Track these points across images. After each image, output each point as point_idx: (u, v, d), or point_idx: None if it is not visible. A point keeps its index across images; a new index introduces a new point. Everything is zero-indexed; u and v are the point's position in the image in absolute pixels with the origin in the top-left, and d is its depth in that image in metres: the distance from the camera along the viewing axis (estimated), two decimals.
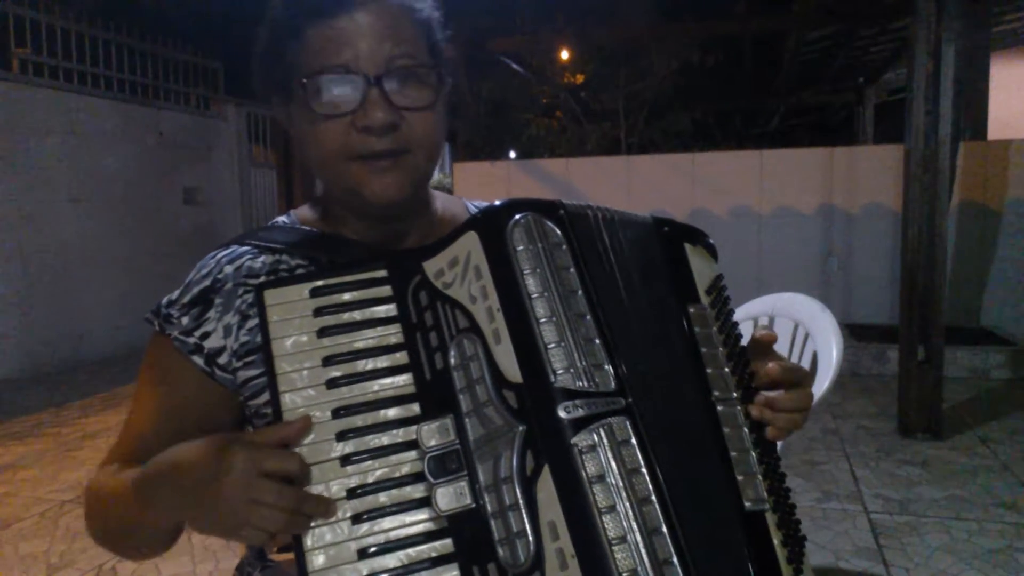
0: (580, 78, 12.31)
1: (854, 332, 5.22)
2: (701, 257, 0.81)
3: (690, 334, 0.74)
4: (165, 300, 0.84)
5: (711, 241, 0.84)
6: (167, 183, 6.84)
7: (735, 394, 0.73)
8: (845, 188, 5.65)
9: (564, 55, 11.52)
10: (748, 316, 1.97)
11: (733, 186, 5.89)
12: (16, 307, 5.45)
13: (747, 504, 0.68)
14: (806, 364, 1.86)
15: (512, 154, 13.69)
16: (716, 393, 0.72)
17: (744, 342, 0.79)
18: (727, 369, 0.74)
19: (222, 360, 0.81)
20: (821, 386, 1.72)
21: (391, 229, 0.87)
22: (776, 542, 0.68)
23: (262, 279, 0.82)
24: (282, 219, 0.91)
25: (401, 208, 0.82)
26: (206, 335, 0.81)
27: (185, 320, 0.82)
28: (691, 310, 0.75)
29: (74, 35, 6.00)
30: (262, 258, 0.84)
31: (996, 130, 7.11)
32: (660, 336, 0.73)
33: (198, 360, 0.81)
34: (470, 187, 6.44)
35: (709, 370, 0.73)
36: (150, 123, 6.65)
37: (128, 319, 6.26)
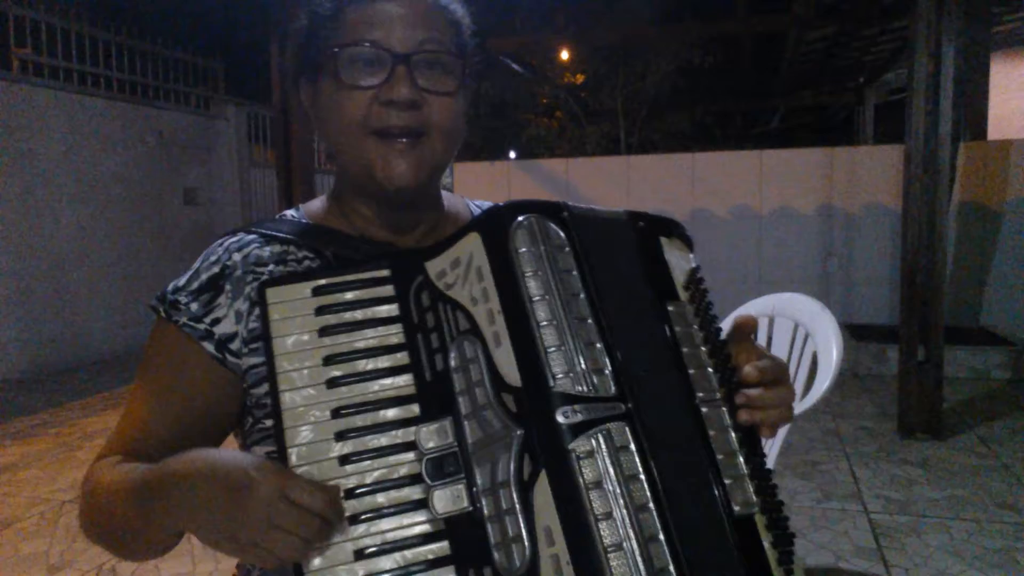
0: (580, 78, 12.32)
1: (854, 332, 5.22)
2: (677, 250, 0.79)
3: (671, 334, 0.72)
4: (171, 286, 0.83)
5: (686, 232, 0.82)
6: (167, 183, 6.84)
7: (718, 394, 0.72)
8: (845, 188, 5.65)
9: (564, 55, 11.52)
10: None
11: (733, 186, 5.89)
12: (16, 307, 5.45)
13: (736, 508, 0.67)
14: (806, 364, 1.86)
15: (512, 154, 13.70)
16: (700, 395, 0.71)
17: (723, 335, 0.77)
18: (710, 369, 0.72)
19: (234, 346, 0.80)
20: (821, 386, 1.72)
21: (400, 219, 0.87)
22: (767, 544, 0.68)
23: (270, 268, 0.82)
24: (291, 212, 0.92)
25: (412, 195, 0.83)
26: (217, 321, 0.80)
27: (194, 306, 0.81)
28: (670, 308, 0.74)
29: (74, 35, 6.00)
30: (269, 247, 0.84)
31: (996, 130, 7.11)
32: (648, 337, 0.72)
33: (208, 346, 0.80)
34: (470, 187, 6.44)
35: (691, 371, 0.71)
36: (150, 123, 6.65)
37: (128, 319, 6.27)
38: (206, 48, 7.58)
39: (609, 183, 6.18)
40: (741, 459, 0.70)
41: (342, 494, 0.64)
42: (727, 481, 0.67)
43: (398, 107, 0.78)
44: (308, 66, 0.84)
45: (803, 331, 1.90)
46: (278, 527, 0.60)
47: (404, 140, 0.79)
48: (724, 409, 0.71)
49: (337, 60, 0.78)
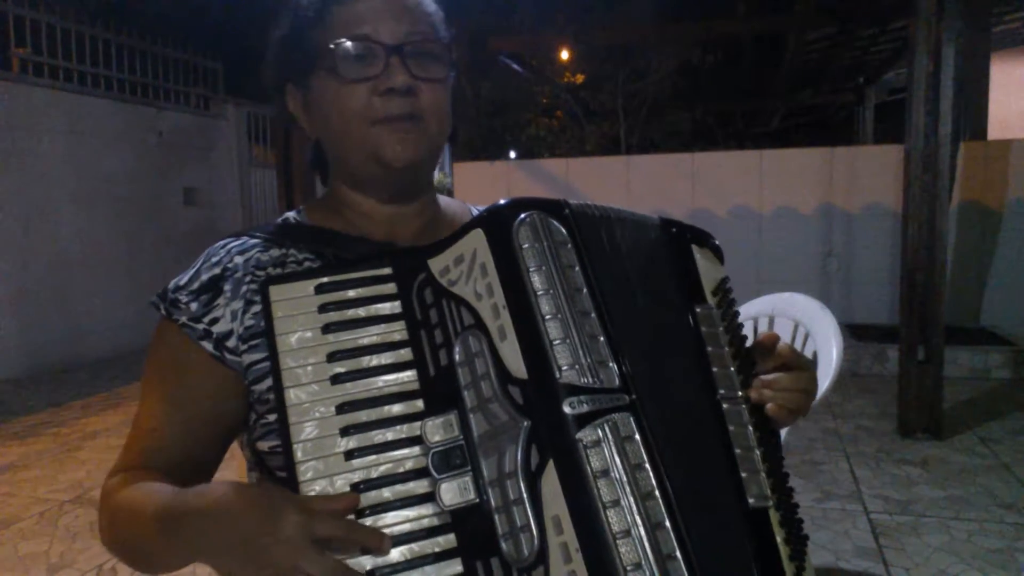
0: (580, 78, 12.32)
1: (854, 332, 5.22)
2: (708, 259, 0.82)
3: (696, 333, 0.75)
4: (172, 284, 0.84)
5: (717, 243, 0.86)
6: (167, 183, 6.84)
7: (740, 393, 0.74)
8: (845, 188, 5.65)
9: (564, 55, 11.52)
10: (748, 316, 1.97)
11: (733, 186, 5.90)
12: (16, 307, 5.45)
13: (751, 500, 0.69)
14: None
15: (512, 154, 13.69)
16: (721, 391, 0.73)
17: (748, 343, 0.80)
18: (732, 368, 0.75)
19: (231, 344, 0.81)
20: (821, 386, 1.72)
21: (397, 212, 0.90)
22: (779, 539, 0.69)
23: (269, 271, 0.83)
24: (292, 215, 0.93)
25: (413, 175, 0.87)
26: (215, 320, 0.81)
27: (194, 306, 0.82)
28: (697, 310, 0.77)
29: (74, 35, 6.00)
30: (271, 251, 0.86)
31: (996, 130, 7.12)
32: (666, 335, 0.74)
33: (207, 346, 0.81)
34: (470, 187, 6.44)
35: (715, 369, 0.74)
36: (150, 123, 6.64)
37: (128, 319, 6.26)
38: (206, 48, 7.57)
39: (609, 183, 6.18)
40: (758, 454, 0.72)
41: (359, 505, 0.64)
42: (743, 474, 0.69)
43: (397, 94, 0.81)
44: (296, 70, 0.87)
45: (803, 331, 1.90)
46: (304, 571, 0.59)
47: (404, 123, 0.82)
48: (745, 407, 0.74)
49: (334, 57, 0.81)
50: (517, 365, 0.65)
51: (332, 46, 0.81)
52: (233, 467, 1.08)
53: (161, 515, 0.69)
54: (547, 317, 0.65)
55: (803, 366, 0.79)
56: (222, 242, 0.87)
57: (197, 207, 7.20)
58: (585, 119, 12.90)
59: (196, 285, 0.83)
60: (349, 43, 0.81)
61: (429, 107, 0.83)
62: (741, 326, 0.79)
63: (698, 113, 13.51)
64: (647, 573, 0.59)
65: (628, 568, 0.59)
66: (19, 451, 3.74)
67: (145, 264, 6.49)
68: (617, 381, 0.65)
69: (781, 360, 0.77)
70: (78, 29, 6.03)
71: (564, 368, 0.64)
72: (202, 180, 7.29)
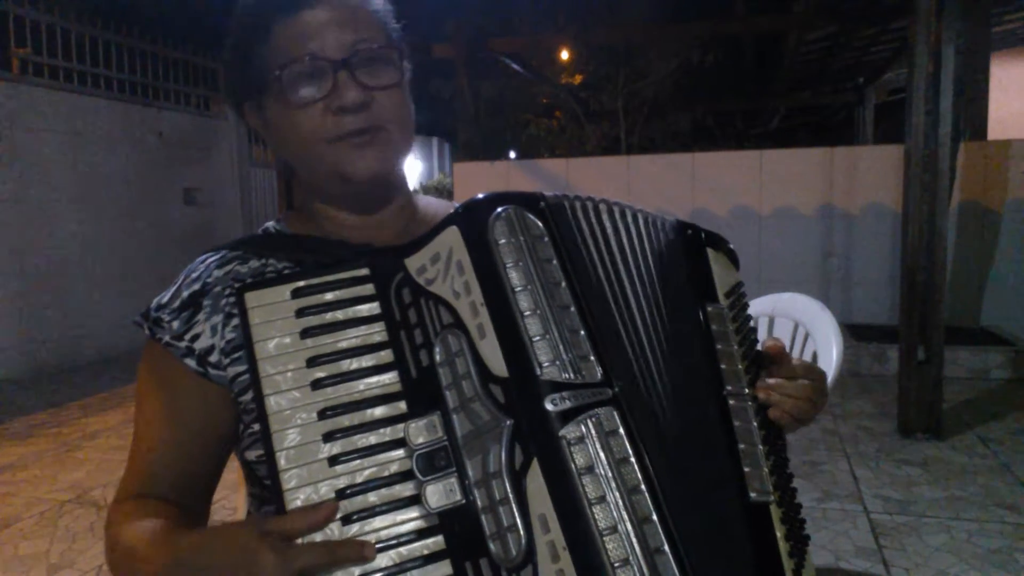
0: (580, 78, 12.31)
1: (854, 332, 5.21)
2: (722, 263, 0.83)
3: (706, 330, 0.75)
4: (155, 303, 0.84)
5: (732, 248, 0.86)
6: (167, 183, 6.84)
7: (747, 390, 0.74)
8: (845, 188, 5.64)
9: (564, 55, 11.52)
10: None
11: (733, 186, 5.89)
12: (16, 307, 5.45)
13: (752, 495, 0.68)
14: None
15: (512, 154, 13.69)
16: (728, 388, 0.73)
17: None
18: (741, 367, 0.75)
19: (213, 358, 0.81)
20: None
21: (371, 219, 0.89)
22: (779, 535, 0.69)
23: (247, 282, 0.83)
24: (271, 224, 0.93)
25: (381, 184, 0.85)
26: (196, 337, 0.81)
27: (176, 324, 0.82)
28: (708, 308, 0.76)
29: (74, 35, 6.00)
30: (251, 263, 0.85)
31: (996, 130, 7.11)
32: (670, 330, 0.74)
33: (191, 363, 0.81)
34: (470, 187, 6.43)
35: (723, 366, 0.74)
36: (150, 123, 6.64)
37: (128, 319, 6.24)
38: (206, 48, 7.57)
39: (609, 183, 6.18)
40: (762, 450, 0.71)
41: (338, 516, 0.64)
42: (746, 469, 0.69)
43: (350, 111, 0.79)
44: (249, 90, 0.85)
45: (803, 331, 1.90)
46: None
47: (363, 136, 0.80)
48: (751, 405, 0.73)
49: (281, 82, 0.79)
50: (497, 363, 0.64)
51: (278, 72, 0.79)
52: (234, 473, 1.08)
53: (155, 566, 0.70)
54: (526, 314, 0.65)
55: (810, 376, 0.79)
56: (201, 257, 0.87)
57: (197, 207, 7.19)
58: (585, 119, 12.90)
59: (177, 303, 0.83)
60: (295, 66, 0.78)
61: (387, 115, 0.81)
62: (753, 330, 0.79)
63: (698, 113, 13.51)
64: (635, 568, 0.59)
65: (616, 564, 0.58)
66: (19, 451, 3.74)
67: (145, 264, 6.49)
68: (599, 375, 0.64)
69: (787, 368, 0.77)
70: (78, 29, 6.02)
71: (545, 365, 0.63)
72: (202, 180, 7.28)
